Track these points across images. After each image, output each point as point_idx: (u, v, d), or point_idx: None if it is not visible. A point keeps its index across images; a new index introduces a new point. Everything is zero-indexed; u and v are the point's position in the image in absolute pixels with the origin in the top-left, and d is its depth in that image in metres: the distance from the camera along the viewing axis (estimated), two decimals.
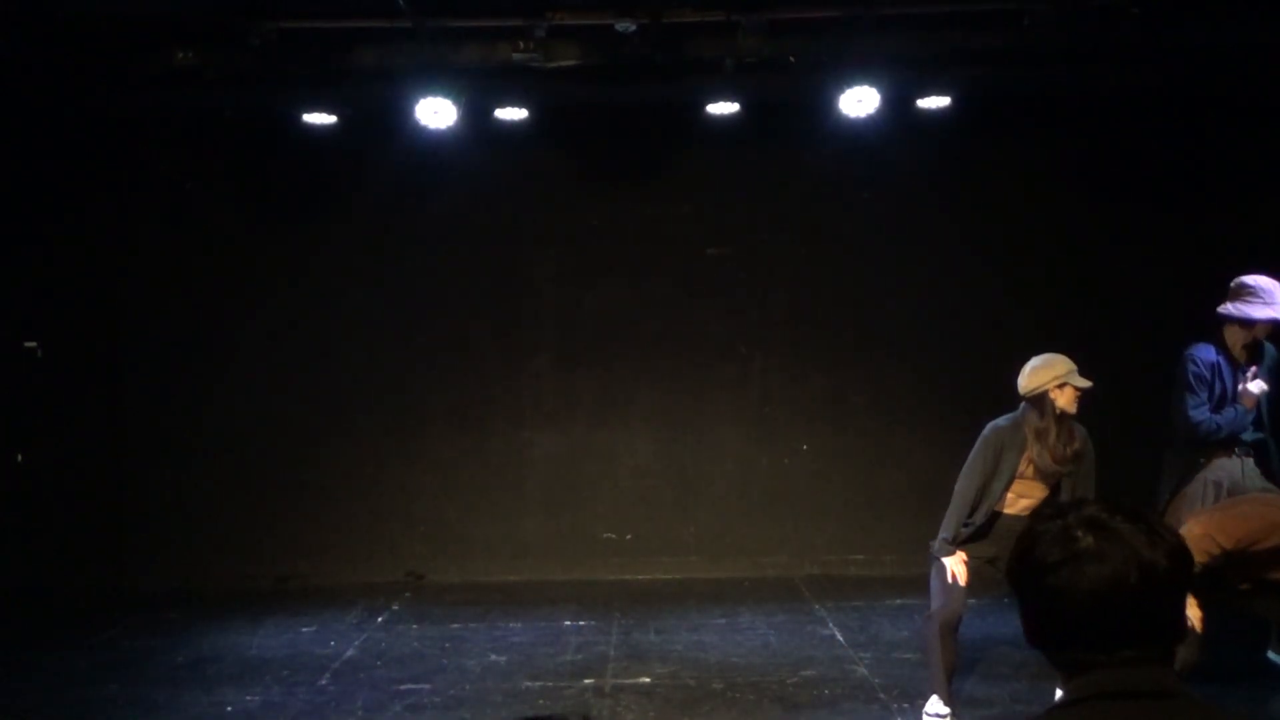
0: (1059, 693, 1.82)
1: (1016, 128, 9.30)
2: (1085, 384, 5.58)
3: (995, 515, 5.76)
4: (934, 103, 8.50)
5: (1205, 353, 6.18)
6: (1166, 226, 9.25)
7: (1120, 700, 1.67)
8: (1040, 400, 5.62)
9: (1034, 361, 5.69)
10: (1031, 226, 9.47)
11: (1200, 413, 6.11)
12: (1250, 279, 6.12)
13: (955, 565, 5.64)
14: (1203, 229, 9.03)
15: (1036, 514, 1.85)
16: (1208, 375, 6.14)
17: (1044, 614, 1.74)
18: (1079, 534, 1.71)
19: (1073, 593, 1.69)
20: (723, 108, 8.52)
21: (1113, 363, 6.45)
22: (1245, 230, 8.78)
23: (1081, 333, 8.16)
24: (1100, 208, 9.41)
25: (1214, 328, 6.24)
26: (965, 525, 5.73)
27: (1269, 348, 6.30)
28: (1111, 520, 1.72)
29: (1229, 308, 6.13)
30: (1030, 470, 5.71)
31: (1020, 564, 1.77)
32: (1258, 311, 6.05)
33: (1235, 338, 6.18)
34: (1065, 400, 5.59)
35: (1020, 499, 5.75)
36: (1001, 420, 5.77)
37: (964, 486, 5.75)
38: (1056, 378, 5.58)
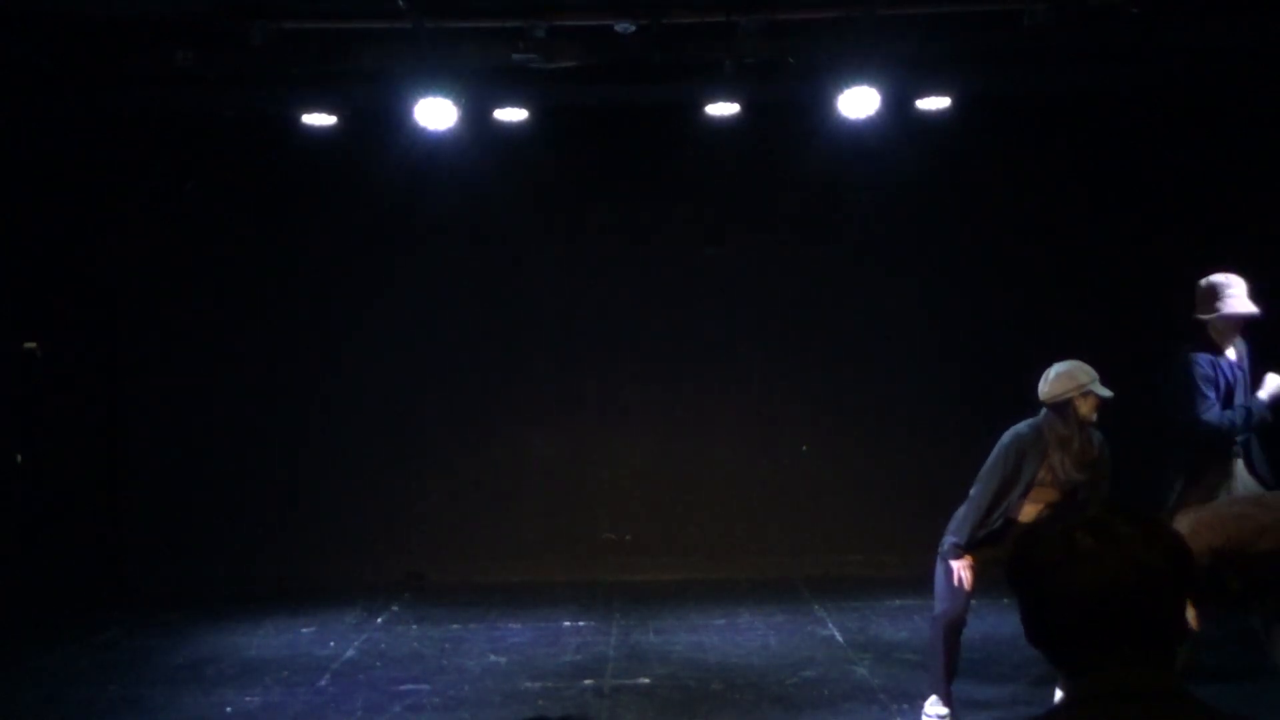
0: (1059, 693, 1.82)
1: (1016, 128, 9.31)
2: (1107, 394, 5.54)
3: (1009, 522, 5.71)
4: (933, 103, 8.50)
5: (1204, 355, 6.20)
6: (1166, 226, 9.24)
7: (1120, 701, 1.67)
8: (1063, 407, 5.57)
9: (1057, 368, 5.61)
10: (1031, 227, 9.47)
11: (1214, 413, 6.10)
12: (1219, 277, 6.16)
13: (963, 569, 5.62)
14: (1202, 229, 9.02)
15: (1040, 517, 1.86)
16: (1213, 374, 6.15)
17: (1044, 615, 1.74)
18: (1078, 536, 1.72)
19: (1072, 594, 1.69)
20: (722, 108, 8.51)
21: (1113, 362, 6.44)
22: (1245, 230, 8.78)
23: (1082, 333, 8.15)
24: (1100, 208, 9.41)
25: (1198, 333, 6.25)
26: (979, 530, 5.68)
27: (1243, 344, 6.33)
28: (1111, 522, 1.72)
29: (1219, 307, 6.15)
30: (1048, 477, 5.66)
31: (1020, 565, 1.77)
32: (1241, 306, 6.10)
33: (1223, 337, 6.21)
34: (1087, 409, 5.53)
35: (1035, 506, 5.69)
36: (1022, 426, 5.69)
37: (981, 492, 5.66)
38: (1080, 385, 5.52)
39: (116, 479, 9.59)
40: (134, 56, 7.74)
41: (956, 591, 5.64)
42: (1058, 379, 5.57)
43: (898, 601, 8.39)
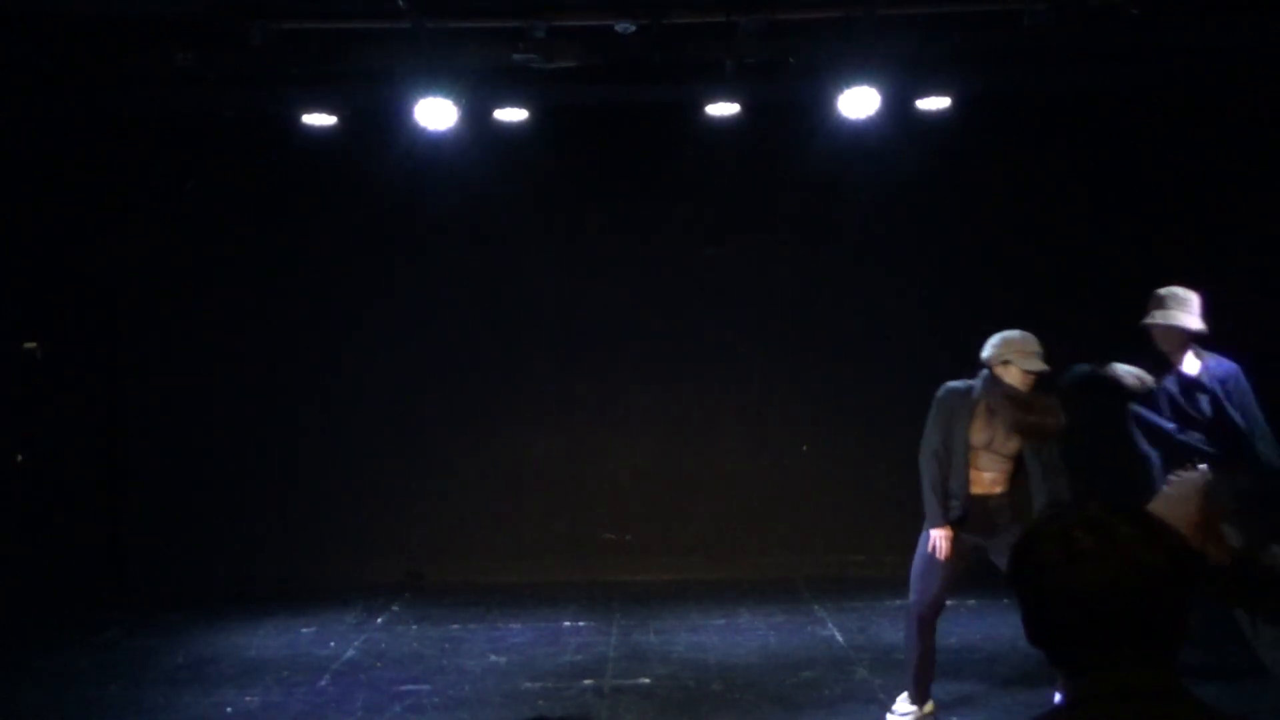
0: (1058, 694, 1.82)
1: (1016, 128, 9.30)
2: (1036, 368, 5.58)
3: (969, 499, 5.72)
4: (933, 103, 8.50)
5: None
6: (1166, 226, 9.24)
7: (1120, 701, 1.67)
8: (991, 372, 5.68)
9: (999, 334, 5.76)
10: (1031, 227, 9.47)
11: (1067, 372, 6.17)
12: (1167, 289, 6.18)
13: (942, 539, 5.62)
14: (1202, 229, 9.02)
15: (1037, 514, 1.85)
16: (1115, 364, 6.21)
17: (1044, 615, 1.74)
18: (1078, 535, 1.71)
19: (1072, 594, 1.69)
20: (722, 108, 8.52)
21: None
22: (1245, 230, 8.78)
23: (1082, 333, 8.14)
24: (1100, 208, 9.41)
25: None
26: (952, 500, 5.69)
27: (1224, 364, 6.25)
28: (1111, 522, 1.72)
29: (1150, 317, 6.14)
30: (982, 439, 5.68)
31: (1020, 565, 1.77)
32: (1168, 319, 6.07)
33: (1164, 346, 6.18)
34: (1011, 379, 5.61)
35: (986, 475, 5.73)
36: (954, 382, 5.82)
37: (925, 451, 5.77)
38: (998, 356, 5.65)
39: (116, 479, 9.59)
40: (134, 56, 7.74)
41: (930, 572, 5.65)
42: (992, 345, 5.73)
43: (898, 601, 8.33)
